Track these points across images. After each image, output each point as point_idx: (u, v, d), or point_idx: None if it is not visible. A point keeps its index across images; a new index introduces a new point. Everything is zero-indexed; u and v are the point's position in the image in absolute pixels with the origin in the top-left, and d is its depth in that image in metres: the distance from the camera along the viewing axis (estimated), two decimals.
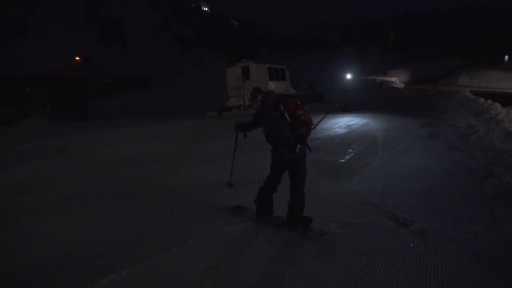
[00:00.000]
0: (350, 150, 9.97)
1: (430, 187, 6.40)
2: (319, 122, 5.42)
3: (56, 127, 18.44)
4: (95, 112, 32.15)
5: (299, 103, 4.74)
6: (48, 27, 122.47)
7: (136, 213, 5.73)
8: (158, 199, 6.42)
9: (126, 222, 5.39)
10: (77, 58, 58.89)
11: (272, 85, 25.71)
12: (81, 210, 5.98)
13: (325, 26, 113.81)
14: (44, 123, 22.45)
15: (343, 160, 8.76)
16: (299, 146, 4.60)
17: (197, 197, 6.42)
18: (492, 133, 9.81)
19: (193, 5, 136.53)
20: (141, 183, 7.47)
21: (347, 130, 13.64)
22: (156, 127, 16.17)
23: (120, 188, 7.16)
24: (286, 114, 4.61)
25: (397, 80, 49.98)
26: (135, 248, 4.46)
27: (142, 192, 6.87)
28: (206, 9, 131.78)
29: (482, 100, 13.71)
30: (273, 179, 4.97)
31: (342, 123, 15.25)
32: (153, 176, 8.11)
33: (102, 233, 5.01)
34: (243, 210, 5.54)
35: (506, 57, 68.37)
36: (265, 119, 4.82)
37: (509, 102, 15.18)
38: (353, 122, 15.50)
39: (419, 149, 9.62)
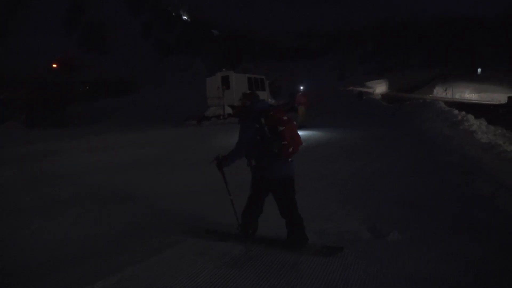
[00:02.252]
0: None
1: (407, 197, 6.51)
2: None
3: (32, 134, 18.14)
4: (74, 118, 31.66)
5: (285, 118, 4.45)
6: (27, 32, 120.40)
7: (113, 222, 5.66)
8: (137, 207, 6.36)
9: (102, 231, 5.32)
10: (57, 63, 57.92)
11: None
12: (61, 218, 5.90)
13: (307, 34, 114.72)
14: (19, 129, 22.02)
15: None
16: (252, 161, 4.47)
17: (177, 206, 6.39)
18: (467, 144, 10.10)
19: (174, 14, 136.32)
20: (119, 191, 7.41)
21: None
22: (135, 135, 16.08)
23: (98, 196, 7.09)
24: (266, 128, 4.36)
25: (374, 91, 50.81)
26: (110, 258, 4.41)
27: (120, 200, 6.81)
28: (186, 17, 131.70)
29: (456, 111, 14.10)
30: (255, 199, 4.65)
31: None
32: (132, 183, 8.05)
33: (77, 242, 4.94)
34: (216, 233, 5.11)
35: (479, 70, 70.17)
36: (241, 123, 4.56)
37: (481, 114, 15.63)
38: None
39: (395, 159, 9.78)
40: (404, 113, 20.48)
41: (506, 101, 42.14)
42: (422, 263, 4.12)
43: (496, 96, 49.67)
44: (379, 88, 57.77)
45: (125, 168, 9.63)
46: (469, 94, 55.17)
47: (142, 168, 9.63)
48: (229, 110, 24.94)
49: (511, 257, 4.23)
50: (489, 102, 44.98)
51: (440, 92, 57.54)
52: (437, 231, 4.98)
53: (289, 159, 4.44)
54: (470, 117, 12.80)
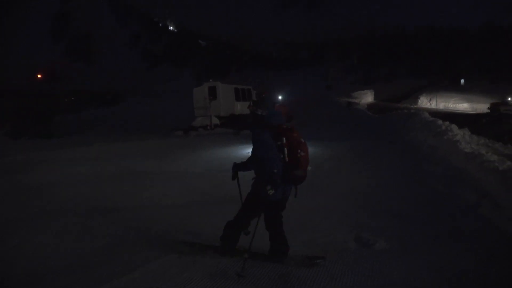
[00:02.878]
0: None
1: (393, 206, 6.58)
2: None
3: (17, 144, 17.91)
4: (60, 128, 31.38)
5: (302, 140, 4.22)
6: (13, 42, 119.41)
7: (97, 235, 5.57)
8: (122, 219, 6.28)
9: (86, 244, 5.22)
10: (42, 73, 57.55)
11: (238, 106, 25.97)
12: (42, 230, 5.79)
13: (294, 45, 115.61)
14: (3, 140, 21.74)
15: None
16: (269, 188, 4.01)
17: (163, 217, 6.32)
18: (451, 154, 10.23)
19: (160, 24, 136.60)
20: (104, 202, 7.31)
21: None
22: (121, 145, 15.96)
23: (83, 207, 7.00)
24: (286, 150, 4.09)
25: (360, 101, 51.29)
26: (95, 270, 4.34)
27: (105, 211, 6.72)
28: (173, 28, 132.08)
29: (440, 121, 14.27)
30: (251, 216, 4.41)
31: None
32: (117, 195, 7.95)
33: (61, 255, 4.85)
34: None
35: (462, 81, 71.42)
36: (259, 137, 4.15)
37: (465, 123, 15.89)
38: None
39: (381, 170, 9.86)
40: (390, 124, 20.67)
41: (489, 111, 43.22)
42: (408, 272, 4.15)
43: (479, 106, 50.64)
44: (365, 98, 58.35)
45: (109, 179, 9.52)
46: (453, 104, 56.07)
47: (126, 179, 9.52)
48: (216, 121, 24.96)
49: (495, 266, 4.28)
50: (472, 112, 46.11)
51: (424, 102, 58.34)
52: (422, 241, 5.03)
53: None
54: (454, 127, 12.98)
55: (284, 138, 4.12)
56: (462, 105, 54.90)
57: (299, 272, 4.21)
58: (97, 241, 5.30)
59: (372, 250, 4.77)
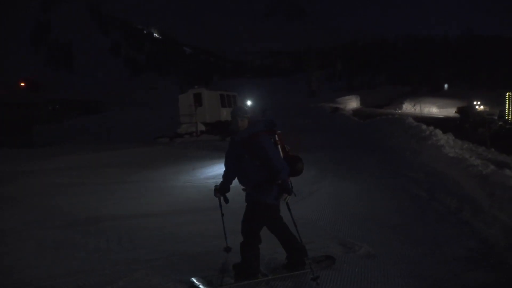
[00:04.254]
0: None
1: (377, 213, 6.59)
2: None
3: None
4: (41, 138, 30.87)
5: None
6: None
7: (80, 244, 5.46)
8: (105, 229, 6.15)
9: (69, 253, 5.12)
10: (22, 83, 56.63)
11: (224, 112, 25.86)
12: (22, 242, 5.62)
13: (275, 54, 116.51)
14: None
15: None
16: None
17: (146, 227, 6.23)
18: (434, 159, 10.29)
19: (145, 31, 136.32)
20: (86, 213, 7.16)
21: None
22: (104, 154, 15.72)
23: (64, 218, 6.84)
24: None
25: (345, 107, 51.74)
26: (78, 281, 4.23)
27: (87, 222, 6.58)
28: (156, 34, 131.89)
29: (424, 126, 14.34)
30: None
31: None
32: (99, 205, 7.80)
33: (43, 265, 4.72)
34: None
35: (446, 86, 72.91)
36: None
37: (449, 128, 16.06)
38: None
39: (364, 175, 9.88)
40: (374, 129, 20.79)
41: (457, 114, 44.44)
42: (390, 278, 4.16)
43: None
44: (350, 104, 58.88)
45: (90, 189, 9.35)
46: (436, 109, 57.04)
47: (109, 189, 9.36)
48: (201, 127, 24.82)
49: (476, 272, 4.30)
50: (456, 116, 47.29)
51: (409, 108, 59.22)
52: (403, 247, 5.06)
53: None
54: (438, 132, 13.05)
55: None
56: (446, 110, 55.90)
57: (282, 277, 4.20)
58: (77, 252, 5.16)
59: (357, 255, 4.77)
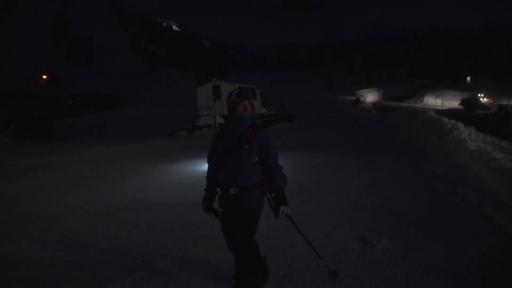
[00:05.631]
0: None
1: (397, 207, 6.51)
2: None
3: (20, 148, 17.89)
4: (62, 131, 31.43)
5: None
6: (14, 46, 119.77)
7: (102, 234, 5.57)
8: (125, 220, 6.24)
9: (91, 243, 5.22)
10: (44, 77, 57.50)
11: None
12: (44, 232, 5.74)
13: (294, 47, 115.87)
14: (7, 143, 21.75)
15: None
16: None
17: (166, 218, 6.28)
18: (455, 152, 10.12)
19: (164, 24, 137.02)
20: (107, 204, 7.28)
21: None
22: (124, 147, 15.92)
23: (86, 209, 6.95)
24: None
25: (364, 100, 51.25)
26: (99, 271, 4.30)
27: (109, 213, 6.68)
28: (174, 27, 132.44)
29: (445, 119, 14.10)
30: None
31: None
32: (120, 196, 7.92)
33: (65, 256, 4.82)
34: None
35: (468, 78, 71.51)
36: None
37: (471, 122, 15.76)
38: None
39: (383, 169, 9.77)
40: (393, 122, 20.57)
41: (496, 109, 43.56)
42: (410, 273, 4.11)
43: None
44: (370, 96, 58.23)
45: (110, 181, 9.47)
46: (457, 102, 55.97)
47: (127, 181, 9.46)
48: (220, 120, 24.91)
49: (497, 267, 4.22)
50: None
51: (430, 101, 58.28)
52: (424, 241, 4.98)
53: None
54: (460, 125, 12.83)
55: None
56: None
57: (301, 269, 4.20)
58: (99, 242, 5.24)
59: (376, 250, 4.72)
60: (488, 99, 50.27)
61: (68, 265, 4.58)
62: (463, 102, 49.20)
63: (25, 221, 6.31)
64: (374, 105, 45.44)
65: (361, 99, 50.26)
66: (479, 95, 51.40)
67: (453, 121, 13.56)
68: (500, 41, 78.52)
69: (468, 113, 37.83)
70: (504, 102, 46.83)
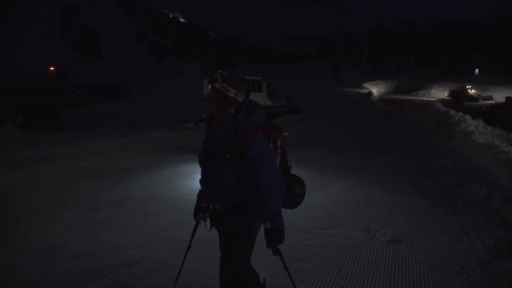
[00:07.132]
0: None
1: (401, 198, 6.48)
2: None
3: (28, 138, 17.98)
4: (69, 123, 31.58)
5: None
6: (22, 37, 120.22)
7: (106, 226, 5.59)
8: (130, 211, 6.26)
9: (95, 235, 5.25)
10: (51, 68, 57.65)
11: None
12: (51, 222, 5.79)
13: (301, 39, 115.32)
14: (16, 134, 21.88)
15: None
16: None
17: (171, 210, 6.29)
18: (463, 145, 10.04)
19: (171, 15, 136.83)
20: (113, 196, 7.30)
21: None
22: (131, 138, 15.93)
23: (92, 200, 6.99)
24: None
25: (372, 92, 50.91)
26: (104, 262, 4.34)
27: (114, 204, 6.71)
28: (181, 19, 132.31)
29: (453, 112, 13.99)
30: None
31: None
32: (126, 188, 7.93)
33: (71, 245, 4.86)
34: None
35: (477, 70, 70.76)
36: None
37: (479, 114, 15.61)
38: None
39: (390, 161, 9.73)
40: (401, 114, 20.44)
41: (505, 101, 43.15)
42: (413, 266, 4.10)
43: (495, 96, 50.35)
44: (377, 89, 57.87)
45: (116, 172, 9.49)
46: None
47: (133, 172, 9.46)
48: None
49: (504, 262, 4.18)
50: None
51: (437, 94, 57.83)
52: (429, 234, 4.96)
53: None
54: (468, 117, 12.72)
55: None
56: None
57: (305, 259, 4.21)
58: (104, 233, 5.27)
59: (380, 242, 4.72)
60: (475, 91, 50.65)
61: (72, 255, 4.61)
62: (452, 93, 50.34)
63: (32, 211, 6.36)
64: (381, 97, 45.18)
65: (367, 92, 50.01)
66: (467, 86, 52.01)
67: (460, 113, 13.44)
68: (509, 33, 77.54)
69: (456, 104, 38.63)
70: None
